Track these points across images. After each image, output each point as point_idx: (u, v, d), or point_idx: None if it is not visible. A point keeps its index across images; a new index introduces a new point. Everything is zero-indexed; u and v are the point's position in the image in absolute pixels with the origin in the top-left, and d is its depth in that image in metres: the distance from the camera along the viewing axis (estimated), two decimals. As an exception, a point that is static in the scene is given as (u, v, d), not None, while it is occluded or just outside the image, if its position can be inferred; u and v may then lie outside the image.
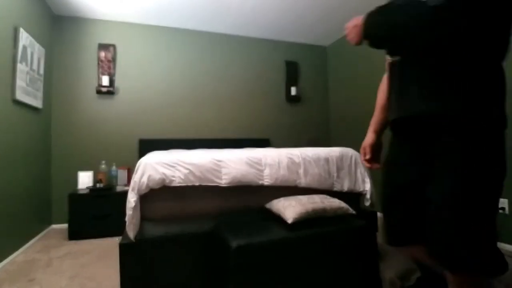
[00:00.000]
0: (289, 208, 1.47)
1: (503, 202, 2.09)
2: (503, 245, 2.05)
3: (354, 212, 1.59)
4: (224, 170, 1.63)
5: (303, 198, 1.57)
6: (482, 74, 0.74)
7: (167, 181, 1.52)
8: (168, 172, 1.53)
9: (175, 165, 1.56)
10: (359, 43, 0.85)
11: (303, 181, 1.80)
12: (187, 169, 1.56)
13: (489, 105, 0.75)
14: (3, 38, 2.14)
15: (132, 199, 1.47)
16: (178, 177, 1.54)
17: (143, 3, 3.03)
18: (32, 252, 2.30)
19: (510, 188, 2.05)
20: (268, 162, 1.75)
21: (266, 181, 1.71)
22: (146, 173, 1.51)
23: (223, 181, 1.62)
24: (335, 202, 1.58)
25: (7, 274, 1.89)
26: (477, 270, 0.79)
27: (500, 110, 0.77)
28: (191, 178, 1.56)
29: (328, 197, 1.66)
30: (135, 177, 1.50)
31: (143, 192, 1.50)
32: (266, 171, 1.72)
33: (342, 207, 1.56)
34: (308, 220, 1.46)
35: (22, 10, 2.42)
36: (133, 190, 1.49)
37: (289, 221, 1.42)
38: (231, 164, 1.66)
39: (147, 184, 1.49)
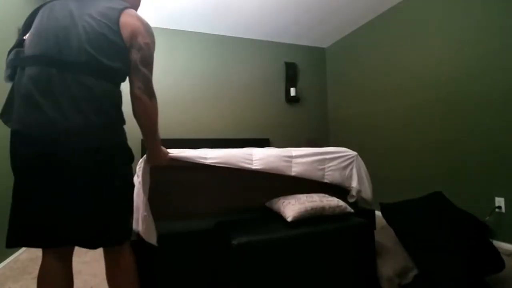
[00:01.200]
0: (289, 207, 1.50)
1: (500, 201, 2.12)
2: (499, 243, 2.08)
3: (352, 210, 1.62)
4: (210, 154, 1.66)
5: (302, 197, 1.60)
6: None
7: None
8: None
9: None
10: None
11: (294, 169, 1.80)
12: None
13: None
14: (7, 39, 2.17)
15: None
16: None
17: (144, 5, 3.07)
18: (36, 250, 2.33)
19: (505, 187, 2.09)
20: (259, 153, 1.77)
21: (255, 166, 1.70)
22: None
23: (209, 160, 1.63)
24: (334, 201, 1.61)
25: (11, 271, 1.93)
26: None
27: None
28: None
29: (326, 196, 1.69)
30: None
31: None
32: (257, 156, 1.73)
33: (341, 206, 1.59)
34: (307, 218, 1.49)
35: (25, 12, 2.44)
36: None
37: (289, 219, 1.44)
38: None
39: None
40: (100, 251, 2.33)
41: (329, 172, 1.91)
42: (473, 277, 1.49)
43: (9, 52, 1.03)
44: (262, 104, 4.03)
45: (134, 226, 1.44)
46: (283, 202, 1.57)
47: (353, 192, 1.92)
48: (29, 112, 0.91)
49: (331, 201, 1.59)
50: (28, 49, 0.98)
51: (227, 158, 1.65)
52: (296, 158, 1.82)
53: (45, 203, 0.94)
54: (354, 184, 1.93)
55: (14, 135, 0.95)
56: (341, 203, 1.60)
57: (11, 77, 1.00)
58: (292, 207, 1.49)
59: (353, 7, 3.20)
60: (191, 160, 1.58)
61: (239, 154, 1.70)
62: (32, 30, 1.01)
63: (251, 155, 1.73)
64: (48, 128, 0.91)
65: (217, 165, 1.63)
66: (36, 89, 0.91)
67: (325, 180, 1.89)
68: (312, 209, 1.50)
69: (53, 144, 0.92)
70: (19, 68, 0.97)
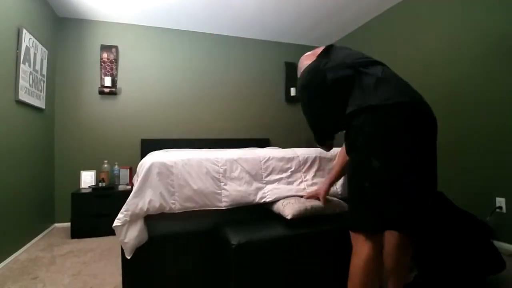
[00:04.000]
0: (289, 206, 1.49)
1: (500, 201, 2.11)
2: (500, 244, 2.07)
3: None
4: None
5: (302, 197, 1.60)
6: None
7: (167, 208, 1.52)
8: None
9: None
10: (329, 148, 1.34)
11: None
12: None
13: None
14: (6, 39, 2.17)
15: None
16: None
17: (145, 5, 3.06)
18: (35, 250, 2.33)
19: (506, 187, 2.08)
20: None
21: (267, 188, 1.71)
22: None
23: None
24: (334, 200, 1.60)
25: (10, 272, 1.92)
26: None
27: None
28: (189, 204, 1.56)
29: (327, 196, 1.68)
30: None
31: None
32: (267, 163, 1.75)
33: (341, 205, 1.59)
34: (307, 218, 1.48)
35: (25, 12, 2.45)
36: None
37: (288, 217, 1.43)
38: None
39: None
40: (100, 251, 2.33)
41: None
42: (474, 277, 1.48)
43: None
44: (262, 104, 4.02)
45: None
46: (283, 202, 1.56)
47: None
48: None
49: (331, 201, 1.59)
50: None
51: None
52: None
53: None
54: None
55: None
56: (342, 202, 1.60)
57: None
58: (292, 206, 1.48)
59: (353, 7, 3.19)
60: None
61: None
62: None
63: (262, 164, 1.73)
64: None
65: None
66: None
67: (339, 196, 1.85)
68: (312, 208, 1.49)
69: None
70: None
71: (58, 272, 1.90)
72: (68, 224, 2.80)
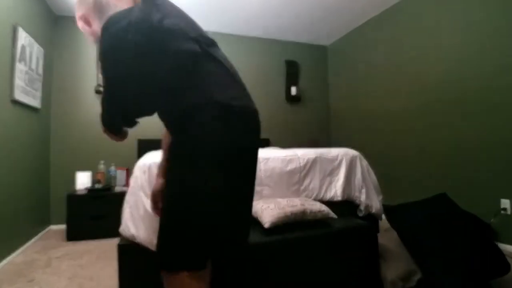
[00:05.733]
0: (267, 211, 1.43)
1: (505, 203, 2.08)
2: (505, 246, 2.04)
3: (335, 216, 1.55)
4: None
5: (283, 201, 1.52)
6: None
7: None
8: None
9: None
10: (122, 138, 0.88)
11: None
12: None
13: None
14: (2, 37, 2.13)
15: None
16: None
17: (142, 2, 3.03)
18: (31, 252, 2.29)
19: (511, 189, 2.05)
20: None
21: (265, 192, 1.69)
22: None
23: None
24: (316, 205, 1.54)
25: (6, 274, 1.89)
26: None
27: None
28: None
29: (309, 200, 1.63)
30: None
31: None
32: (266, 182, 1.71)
33: (323, 211, 1.52)
34: (289, 224, 1.43)
35: (21, 10, 2.41)
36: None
37: (266, 225, 1.38)
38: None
39: None
40: (96, 254, 2.30)
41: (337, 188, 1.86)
42: (478, 280, 1.45)
43: None
44: (262, 104, 3.92)
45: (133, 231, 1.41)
46: (262, 206, 1.49)
47: (361, 207, 1.87)
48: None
49: (312, 206, 1.52)
50: None
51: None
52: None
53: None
54: (363, 198, 1.88)
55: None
56: (323, 207, 1.54)
57: None
58: (270, 211, 1.42)
59: (355, 4, 3.16)
60: None
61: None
62: None
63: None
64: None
65: None
66: None
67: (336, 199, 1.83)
68: (292, 214, 1.43)
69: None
70: None
71: (54, 275, 1.87)
72: (64, 226, 2.76)
